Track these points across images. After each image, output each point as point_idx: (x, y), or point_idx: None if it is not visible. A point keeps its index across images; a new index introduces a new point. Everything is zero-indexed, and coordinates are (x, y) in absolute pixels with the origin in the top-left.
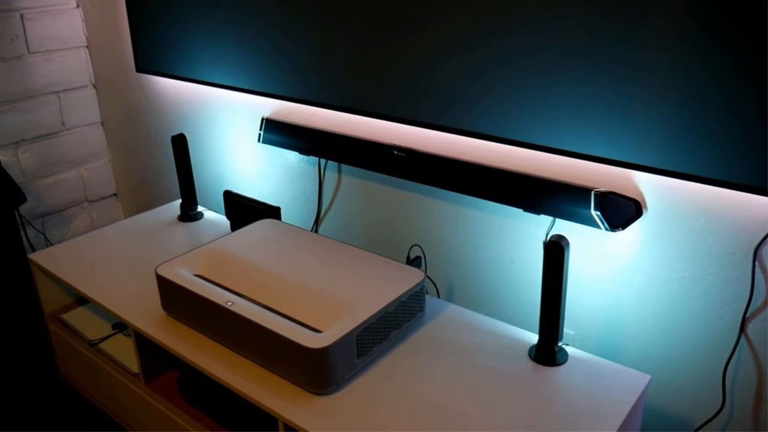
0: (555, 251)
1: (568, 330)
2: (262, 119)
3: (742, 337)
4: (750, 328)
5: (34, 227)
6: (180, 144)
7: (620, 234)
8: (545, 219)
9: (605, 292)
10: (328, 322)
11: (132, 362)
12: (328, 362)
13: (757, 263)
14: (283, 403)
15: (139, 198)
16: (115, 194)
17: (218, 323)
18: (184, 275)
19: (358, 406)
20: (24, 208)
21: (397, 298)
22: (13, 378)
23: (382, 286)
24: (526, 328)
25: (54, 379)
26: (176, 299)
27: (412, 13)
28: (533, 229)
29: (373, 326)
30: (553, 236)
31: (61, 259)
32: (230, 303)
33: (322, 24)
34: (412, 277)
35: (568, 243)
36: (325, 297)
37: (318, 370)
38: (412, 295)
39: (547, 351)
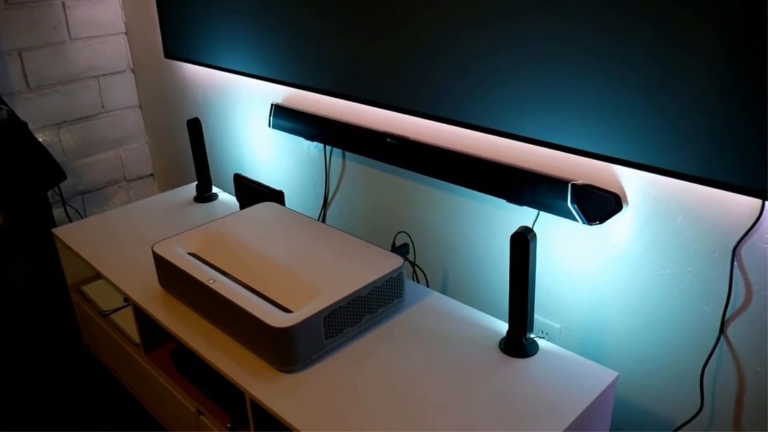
0: (520, 243)
1: (554, 323)
2: (272, 105)
3: (722, 339)
4: (730, 329)
5: (71, 206)
6: (195, 128)
7: (605, 228)
8: (534, 212)
9: (590, 287)
10: (300, 302)
11: (135, 333)
12: (292, 341)
13: (735, 263)
14: (250, 378)
15: (173, 178)
16: (151, 174)
17: (202, 300)
18: (177, 253)
19: (321, 385)
20: (64, 186)
21: (370, 283)
22: (43, 344)
23: (358, 270)
24: None
25: (77, 346)
26: (169, 276)
27: (411, 6)
28: (522, 220)
29: (342, 309)
30: (519, 228)
31: (81, 235)
32: (212, 281)
33: (326, 14)
34: (390, 263)
35: (534, 235)
36: (303, 279)
37: (283, 349)
38: (388, 280)
39: (515, 342)
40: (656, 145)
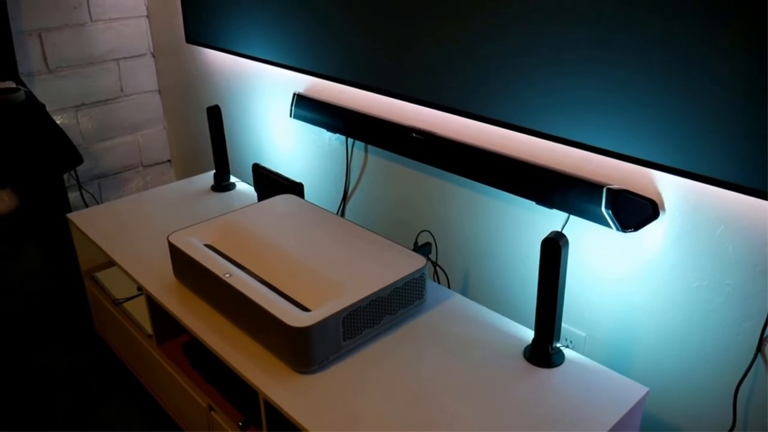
0: (551, 249)
1: (579, 331)
2: (294, 94)
3: (759, 358)
4: (767, 348)
5: (87, 190)
6: (214, 115)
7: (638, 235)
8: (563, 215)
9: (620, 295)
10: (319, 301)
11: (148, 323)
12: (309, 342)
13: None
14: (265, 377)
15: (190, 165)
16: (168, 160)
17: (218, 294)
18: (193, 244)
19: (338, 388)
20: (81, 170)
21: (391, 284)
22: (54, 330)
23: (379, 270)
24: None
25: (89, 333)
26: (185, 267)
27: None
28: (550, 224)
29: (362, 310)
30: (551, 233)
31: (96, 220)
32: (228, 275)
33: (352, 1)
34: (412, 263)
35: (566, 241)
36: (322, 276)
37: (300, 349)
38: (410, 281)
39: (541, 352)
40: (696, 150)
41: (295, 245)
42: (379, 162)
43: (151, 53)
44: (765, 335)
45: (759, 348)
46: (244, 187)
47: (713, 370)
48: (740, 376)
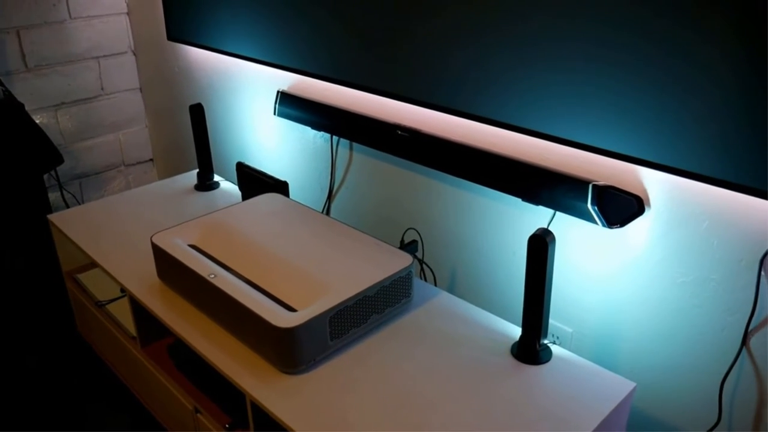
0: (538, 246)
1: (566, 327)
2: (278, 92)
3: (744, 351)
4: (752, 341)
5: (67, 190)
6: (197, 113)
7: (623, 231)
8: (549, 211)
9: (606, 291)
10: (305, 301)
11: (132, 326)
12: (296, 342)
13: (763, 272)
14: (251, 379)
15: (173, 164)
16: (151, 159)
17: (203, 295)
18: (176, 245)
19: (325, 388)
20: (61, 170)
21: (377, 283)
22: (36, 332)
23: (366, 269)
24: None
25: (71, 335)
26: (168, 268)
27: None
28: (537, 220)
29: (349, 309)
30: (538, 230)
31: (77, 221)
32: (213, 276)
33: (340, 1)
34: (398, 261)
35: (553, 238)
36: (308, 276)
37: (286, 350)
38: (396, 280)
39: (528, 348)
40: (682, 146)
41: (280, 244)
42: (364, 160)
43: (132, 51)
44: (750, 329)
45: (744, 342)
46: (228, 186)
47: (699, 365)
48: (726, 370)
